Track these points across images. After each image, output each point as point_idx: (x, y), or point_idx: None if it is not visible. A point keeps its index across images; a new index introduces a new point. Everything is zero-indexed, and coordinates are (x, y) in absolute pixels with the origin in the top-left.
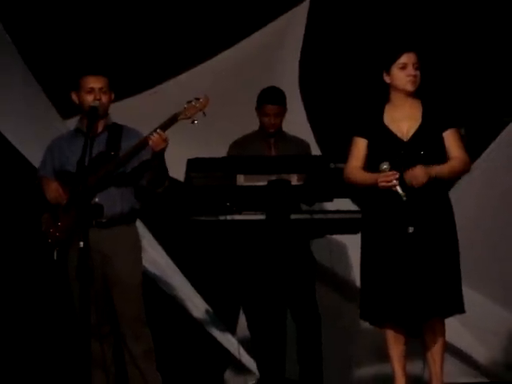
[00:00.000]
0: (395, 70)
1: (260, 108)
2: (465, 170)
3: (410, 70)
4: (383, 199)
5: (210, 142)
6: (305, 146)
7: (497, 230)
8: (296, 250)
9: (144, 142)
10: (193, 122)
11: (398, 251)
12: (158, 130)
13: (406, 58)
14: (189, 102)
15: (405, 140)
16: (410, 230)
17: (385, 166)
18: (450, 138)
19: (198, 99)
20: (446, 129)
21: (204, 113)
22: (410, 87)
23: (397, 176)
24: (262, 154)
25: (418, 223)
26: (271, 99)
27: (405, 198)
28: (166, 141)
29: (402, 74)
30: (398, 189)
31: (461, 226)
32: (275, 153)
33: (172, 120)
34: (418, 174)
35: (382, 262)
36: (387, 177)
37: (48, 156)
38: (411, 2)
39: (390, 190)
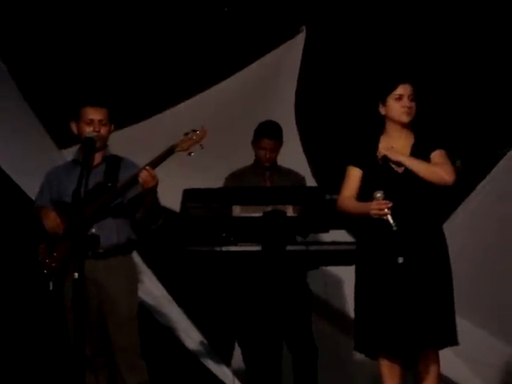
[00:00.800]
0: (391, 101)
1: (256, 142)
2: (442, 177)
3: (406, 102)
4: (375, 229)
5: (207, 172)
6: (300, 178)
7: (493, 261)
8: (292, 282)
9: (134, 180)
10: (189, 154)
11: (389, 282)
12: (147, 167)
13: (402, 90)
14: (186, 133)
15: (399, 172)
16: (400, 260)
17: (378, 195)
18: (436, 157)
19: (195, 131)
20: (432, 150)
21: (201, 145)
22: (404, 118)
23: (389, 205)
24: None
25: (409, 254)
26: (268, 133)
27: (395, 228)
28: (155, 178)
29: (398, 105)
30: (390, 218)
31: (457, 258)
32: (270, 185)
33: (169, 152)
34: (393, 149)
35: (374, 293)
36: (380, 205)
37: (46, 186)
38: (407, 34)
39: (382, 220)
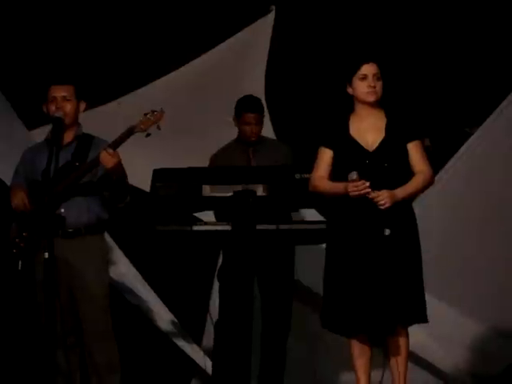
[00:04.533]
0: (356, 82)
1: (240, 117)
2: (430, 183)
3: (370, 81)
4: (353, 207)
5: (175, 151)
6: (285, 150)
7: (463, 240)
8: (264, 260)
9: (96, 161)
10: (147, 136)
11: (372, 255)
12: (107, 149)
13: (366, 69)
14: (145, 114)
15: (370, 151)
16: (387, 232)
17: (354, 176)
18: (414, 151)
19: (154, 112)
20: (409, 140)
21: (158, 126)
22: (370, 98)
23: (367, 184)
24: (241, 164)
25: (385, 236)
26: (252, 108)
27: None
28: (114, 157)
29: (363, 84)
30: (372, 194)
31: (427, 236)
32: (255, 163)
33: (128, 133)
34: (383, 199)
35: (347, 272)
36: (357, 186)
37: (21, 165)
38: (376, 12)
39: (360, 198)
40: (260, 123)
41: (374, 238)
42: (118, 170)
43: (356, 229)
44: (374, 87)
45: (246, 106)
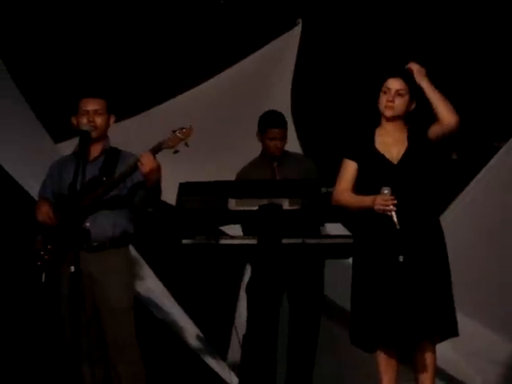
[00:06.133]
0: (380, 94)
1: (264, 132)
2: (452, 115)
3: (390, 96)
4: (376, 225)
5: (205, 165)
6: (309, 164)
7: (494, 256)
8: (290, 275)
9: (132, 168)
10: (175, 152)
11: (389, 278)
12: (147, 152)
13: (390, 83)
14: (174, 131)
15: (395, 163)
16: (401, 259)
17: (386, 191)
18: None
19: (182, 129)
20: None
21: (186, 143)
22: (387, 112)
23: (395, 202)
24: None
25: (410, 251)
26: (276, 123)
27: (398, 227)
28: (154, 162)
29: (383, 98)
30: (394, 215)
31: (451, 250)
32: (279, 177)
33: (156, 149)
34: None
35: (373, 287)
36: (386, 200)
37: (48, 178)
38: (403, 25)
39: (384, 216)
40: (284, 138)
41: (402, 252)
42: (155, 176)
43: (383, 247)
44: (393, 102)
45: (270, 122)
